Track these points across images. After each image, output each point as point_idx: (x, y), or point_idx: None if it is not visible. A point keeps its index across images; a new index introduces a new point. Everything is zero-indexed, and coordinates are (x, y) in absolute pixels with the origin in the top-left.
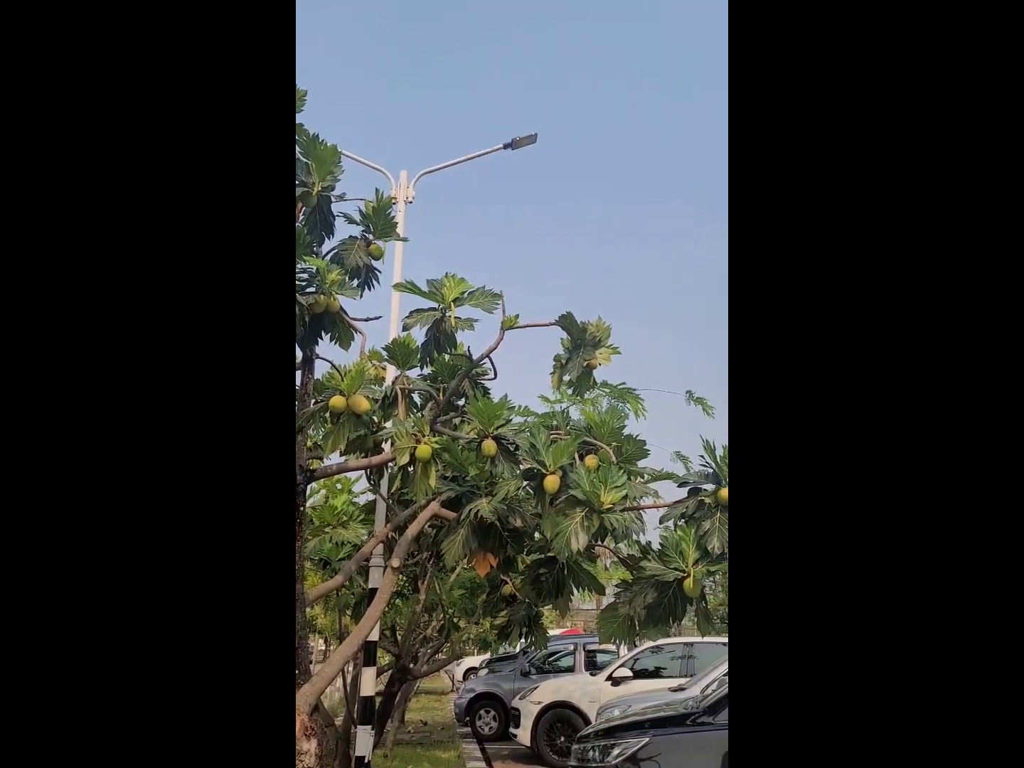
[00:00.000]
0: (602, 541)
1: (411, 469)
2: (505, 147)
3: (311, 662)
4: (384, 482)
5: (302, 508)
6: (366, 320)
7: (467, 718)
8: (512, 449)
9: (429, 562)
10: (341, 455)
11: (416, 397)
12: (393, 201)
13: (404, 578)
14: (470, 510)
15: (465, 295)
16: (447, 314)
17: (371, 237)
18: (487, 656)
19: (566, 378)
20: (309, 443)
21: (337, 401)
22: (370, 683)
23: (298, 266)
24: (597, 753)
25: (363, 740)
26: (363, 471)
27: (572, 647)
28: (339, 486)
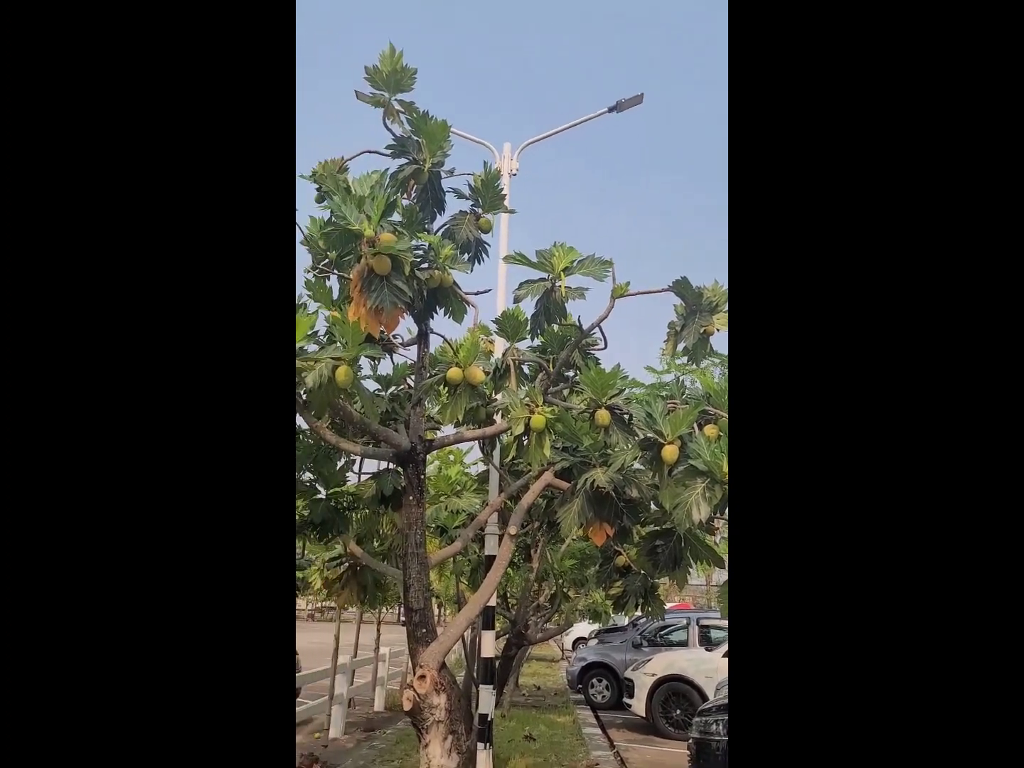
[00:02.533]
0: (723, 513)
1: (525, 439)
2: (610, 110)
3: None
4: (496, 453)
5: (422, 477)
6: (477, 294)
7: (579, 685)
8: (626, 419)
9: (540, 532)
10: (456, 426)
11: (526, 369)
12: (499, 174)
13: (516, 548)
14: (585, 480)
15: (575, 264)
16: (557, 284)
17: (480, 211)
18: (596, 627)
19: (681, 346)
20: (425, 415)
21: (454, 373)
22: (490, 645)
23: (413, 243)
24: (720, 727)
25: (486, 699)
26: (476, 442)
27: (685, 621)
28: (451, 457)
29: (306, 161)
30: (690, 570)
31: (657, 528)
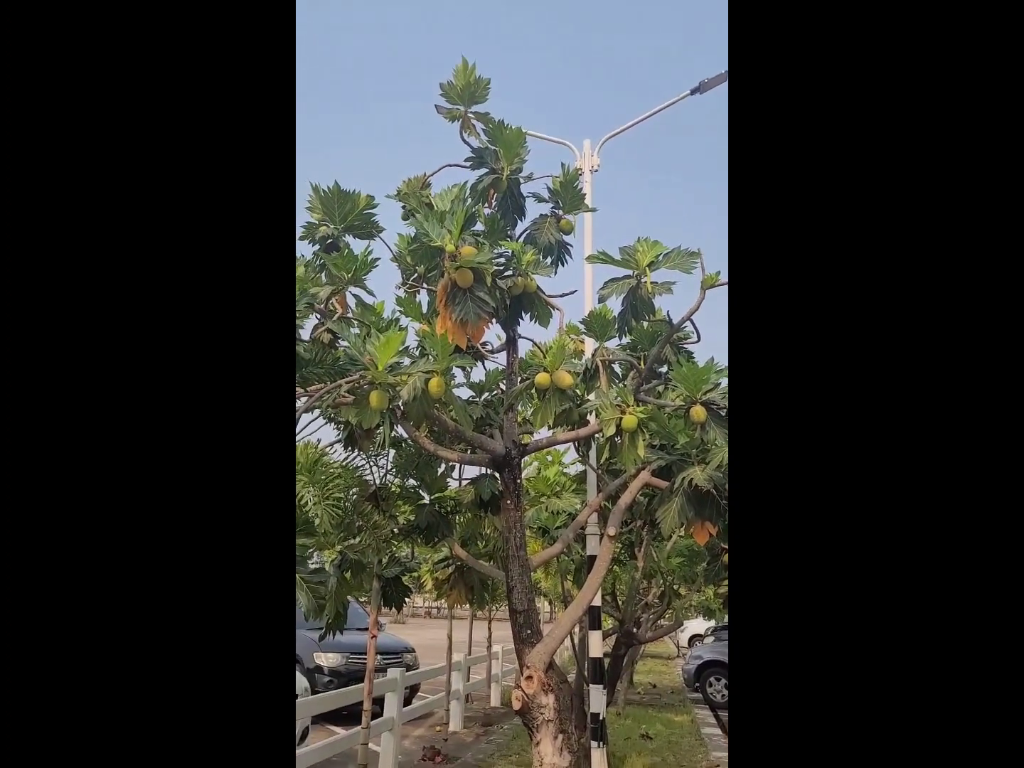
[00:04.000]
0: None
1: (618, 440)
2: (692, 92)
3: (540, 623)
4: (592, 453)
5: (518, 481)
6: (562, 296)
7: (696, 684)
8: (723, 414)
9: (644, 530)
10: (549, 429)
11: (617, 368)
12: (579, 172)
13: (620, 545)
14: (683, 479)
15: (660, 258)
16: (642, 280)
17: (560, 212)
18: (712, 623)
19: None
20: (519, 419)
21: (542, 378)
22: (597, 645)
23: (495, 251)
24: None
25: (596, 698)
26: (571, 443)
27: None
28: (549, 458)
29: (395, 179)
30: None
31: None
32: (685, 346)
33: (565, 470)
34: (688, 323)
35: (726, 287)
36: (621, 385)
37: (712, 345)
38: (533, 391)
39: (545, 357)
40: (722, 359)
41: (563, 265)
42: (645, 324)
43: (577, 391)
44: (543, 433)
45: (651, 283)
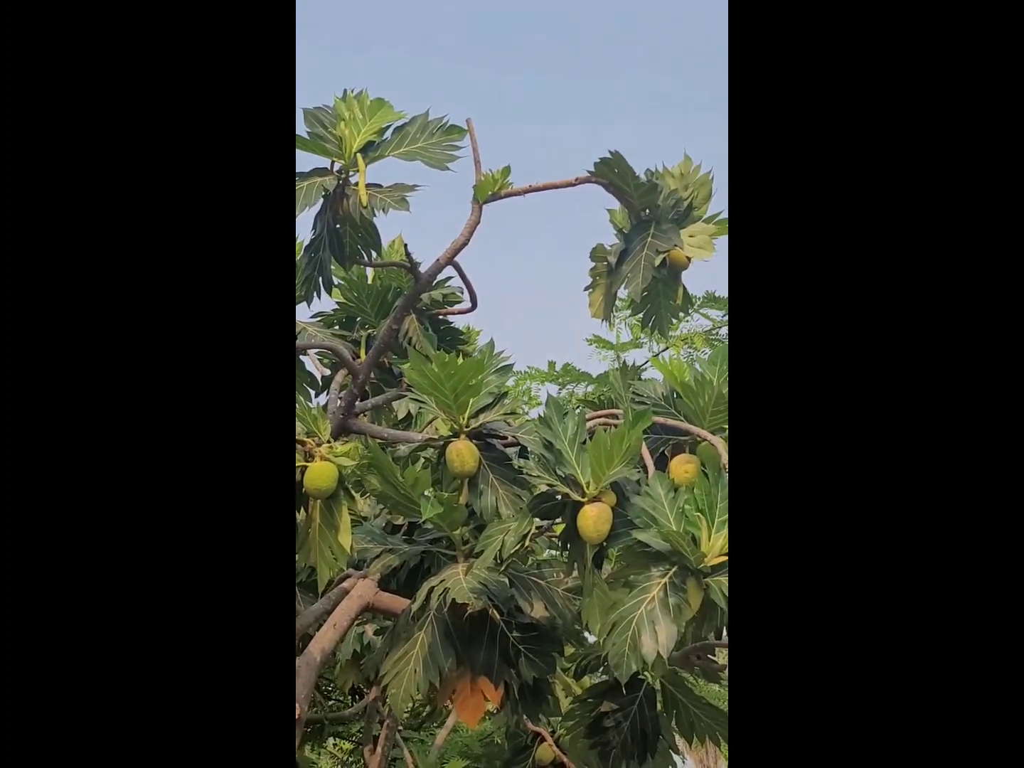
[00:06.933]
0: (718, 636)
1: (300, 516)
2: None
3: None
4: None
5: None
6: None
7: None
8: (507, 457)
9: (380, 709)
10: None
11: (310, 361)
12: None
13: (334, 759)
14: (430, 592)
15: (389, 135)
16: (352, 180)
17: None
18: None
19: (622, 294)
20: None
21: None
22: None
23: None
24: None
25: None
26: None
27: None
28: None
29: None
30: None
31: (602, 680)
32: (445, 317)
33: None
34: (450, 269)
35: (524, 200)
36: (314, 403)
37: (497, 312)
38: None
39: None
40: (513, 346)
41: None
42: (367, 272)
43: None
44: None
45: (367, 188)
